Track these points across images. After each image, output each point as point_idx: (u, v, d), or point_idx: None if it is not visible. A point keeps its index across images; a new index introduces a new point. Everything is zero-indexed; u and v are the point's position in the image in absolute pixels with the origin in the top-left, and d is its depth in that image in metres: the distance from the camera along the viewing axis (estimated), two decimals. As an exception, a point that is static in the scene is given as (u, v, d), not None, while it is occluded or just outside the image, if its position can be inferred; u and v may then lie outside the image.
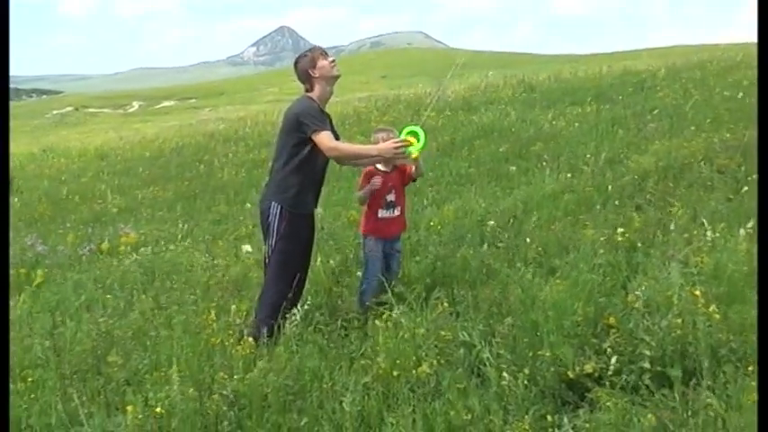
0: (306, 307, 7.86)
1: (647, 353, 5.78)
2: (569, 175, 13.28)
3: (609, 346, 5.97)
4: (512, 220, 10.02)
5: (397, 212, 8.39)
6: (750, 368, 5.66)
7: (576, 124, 19.36)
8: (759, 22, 5.78)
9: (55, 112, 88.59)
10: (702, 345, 5.85)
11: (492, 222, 10.03)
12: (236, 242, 12.27)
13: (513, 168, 15.17)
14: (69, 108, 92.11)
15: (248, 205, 16.48)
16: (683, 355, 5.83)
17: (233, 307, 8.23)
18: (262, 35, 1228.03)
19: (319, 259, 9.58)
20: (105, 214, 18.74)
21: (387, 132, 8.08)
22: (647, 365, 5.71)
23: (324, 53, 7.85)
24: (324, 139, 7.43)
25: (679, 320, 6.05)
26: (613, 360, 5.82)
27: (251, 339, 7.06)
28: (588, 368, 5.85)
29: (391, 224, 8.36)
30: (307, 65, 7.76)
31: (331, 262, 9.45)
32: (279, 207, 7.53)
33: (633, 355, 5.86)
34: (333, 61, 7.82)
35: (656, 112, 18.97)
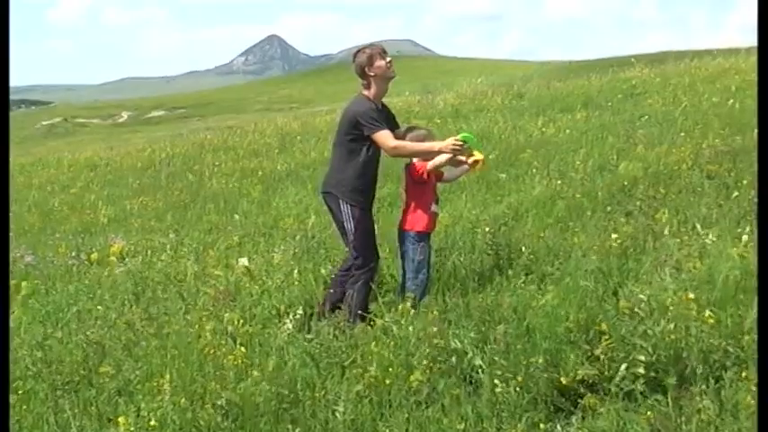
0: (297, 316, 7.88)
1: (641, 358, 5.78)
2: (559, 181, 13.29)
3: (602, 353, 5.96)
4: (503, 228, 10.03)
5: (439, 210, 8.72)
6: (744, 373, 5.67)
7: (566, 131, 19.38)
8: (759, 22, 5.80)
9: (44, 122, 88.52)
10: (695, 350, 5.86)
11: (483, 229, 10.03)
12: (227, 251, 12.25)
13: (504, 176, 15.16)
14: (58, 119, 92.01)
15: (236, 216, 16.47)
16: (676, 360, 5.84)
17: (225, 316, 8.21)
18: (250, 44, 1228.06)
19: (310, 266, 9.62)
20: (95, 224, 18.68)
21: (424, 131, 8.44)
22: (640, 371, 5.71)
23: (382, 52, 8.14)
24: (383, 138, 7.88)
25: (672, 326, 6.05)
26: (622, 368, 5.82)
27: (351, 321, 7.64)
28: (581, 374, 5.85)
29: (436, 220, 8.55)
30: (364, 62, 8.08)
31: (322, 271, 9.44)
32: (347, 203, 8.05)
33: (626, 361, 5.86)
34: (389, 62, 8.12)
35: (645, 118, 18.99)
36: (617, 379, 5.74)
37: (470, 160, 8.14)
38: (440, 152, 7.94)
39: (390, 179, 10.48)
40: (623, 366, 5.79)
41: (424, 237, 8.18)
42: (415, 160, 8.17)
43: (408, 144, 8.04)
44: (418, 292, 7.87)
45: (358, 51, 8.21)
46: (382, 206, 13.69)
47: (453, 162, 8.21)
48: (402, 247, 8.30)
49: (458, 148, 7.81)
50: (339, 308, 7.90)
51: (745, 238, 8.29)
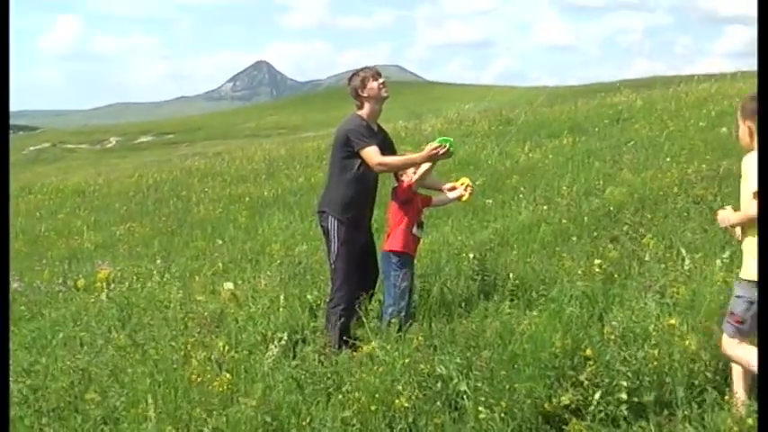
0: (283, 342, 7.86)
1: (624, 384, 5.79)
2: (545, 207, 13.32)
3: (586, 378, 5.97)
4: (488, 253, 10.04)
5: (422, 234, 8.70)
6: (726, 397, 5.69)
7: (552, 156, 19.44)
8: (759, 24, 5.86)
9: (32, 148, 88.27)
10: (679, 375, 5.87)
11: (469, 255, 10.03)
12: (214, 278, 12.23)
13: (490, 201, 15.20)
14: (46, 144, 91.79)
15: (221, 241, 16.47)
16: (659, 385, 5.85)
17: (219, 344, 8.17)
18: (239, 70, 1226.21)
19: (296, 292, 9.62)
20: (82, 251, 18.66)
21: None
22: (623, 396, 5.72)
23: (376, 75, 8.23)
24: (370, 154, 7.91)
25: (655, 351, 6.07)
26: (597, 396, 5.82)
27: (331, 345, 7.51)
28: (565, 400, 5.85)
29: (418, 245, 8.57)
30: (357, 84, 8.19)
31: (308, 297, 9.43)
32: (335, 219, 8.07)
33: (610, 387, 5.87)
34: (383, 83, 8.21)
35: (631, 143, 19.08)
36: (600, 404, 5.74)
37: (461, 187, 8.30)
38: (422, 161, 8.00)
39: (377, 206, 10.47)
40: (598, 394, 5.80)
41: (406, 261, 8.19)
42: (404, 178, 8.23)
43: (392, 158, 8.17)
44: (400, 319, 7.85)
45: (353, 75, 8.32)
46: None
47: (444, 198, 8.36)
48: (384, 270, 8.30)
49: (436, 152, 7.84)
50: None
51: (727, 262, 8.33)
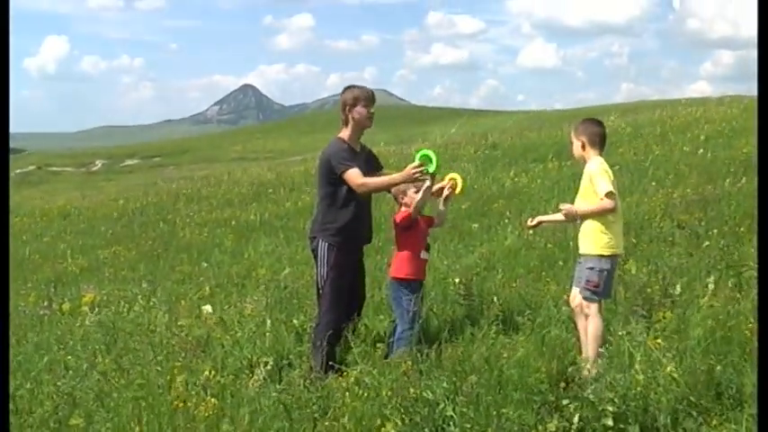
0: (269, 367, 7.84)
1: (610, 409, 5.78)
2: (531, 231, 13.33)
3: (571, 404, 5.96)
4: (475, 278, 10.04)
5: (429, 257, 8.65)
6: (714, 422, 5.69)
7: (538, 181, 19.49)
8: (759, 28, 5.90)
9: (18, 171, 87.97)
10: (664, 400, 5.87)
11: (455, 279, 10.03)
12: (199, 302, 12.20)
13: (476, 226, 15.22)
14: (32, 167, 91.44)
15: (206, 265, 16.43)
16: (644, 411, 5.85)
17: (197, 367, 8.15)
18: (225, 93, 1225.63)
19: (282, 316, 9.59)
20: (67, 274, 18.61)
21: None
22: (609, 423, 5.71)
23: (369, 102, 8.12)
24: (351, 176, 7.83)
25: (641, 377, 6.07)
26: (575, 419, 5.81)
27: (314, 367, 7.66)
28: (551, 426, 5.84)
29: (426, 268, 8.50)
30: (348, 101, 8.09)
31: (294, 321, 9.40)
32: (326, 243, 8.01)
33: (596, 413, 5.86)
34: (371, 113, 8.14)
35: (616, 168, 19.09)
36: (586, 431, 5.73)
37: (449, 183, 8.28)
38: (403, 181, 7.88)
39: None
40: (592, 418, 5.79)
41: (416, 287, 8.14)
42: (405, 200, 8.14)
43: (373, 180, 8.01)
44: (402, 342, 7.86)
45: (351, 87, 8.22)
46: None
47: (433, 192, 8.23)
48: (394, 297, 8.23)
49: (418, 172, 7.67)
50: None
51: (711, 287, 8.36)
